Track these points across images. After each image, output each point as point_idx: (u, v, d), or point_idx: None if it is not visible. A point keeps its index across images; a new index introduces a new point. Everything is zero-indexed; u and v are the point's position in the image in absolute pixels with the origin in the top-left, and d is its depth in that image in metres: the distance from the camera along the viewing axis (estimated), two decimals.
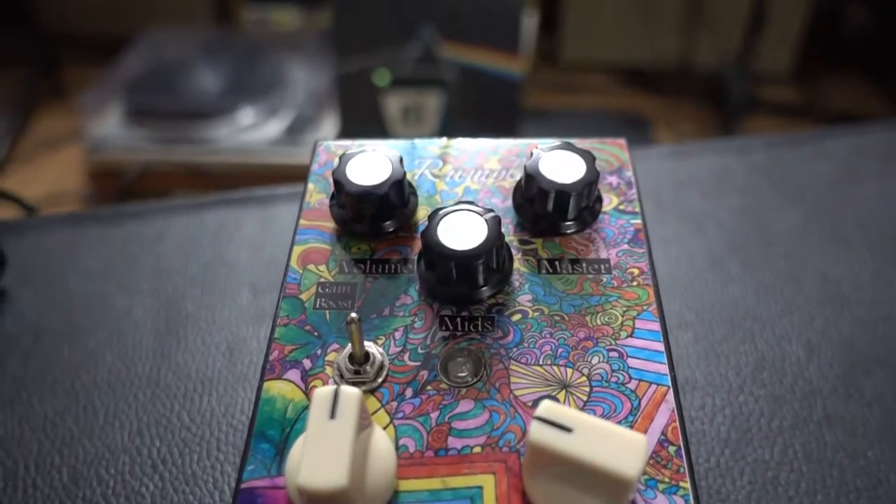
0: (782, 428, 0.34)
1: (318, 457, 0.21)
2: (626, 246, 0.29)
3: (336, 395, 0.22)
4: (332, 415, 0.21)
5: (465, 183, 0.32)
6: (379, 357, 0.26)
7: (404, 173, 0.29)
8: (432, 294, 0.28)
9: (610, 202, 0.31)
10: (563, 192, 0.28)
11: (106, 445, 0.35)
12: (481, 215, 0.27)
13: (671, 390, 0.25)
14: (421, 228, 0.30)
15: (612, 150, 0.33)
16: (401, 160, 0.29)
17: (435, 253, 0.26)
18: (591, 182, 0.28)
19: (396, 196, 0.29)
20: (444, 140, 0.34)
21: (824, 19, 1.66)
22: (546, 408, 0.21)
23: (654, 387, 0.25)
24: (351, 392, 0.22)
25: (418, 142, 0.34)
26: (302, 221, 0.31)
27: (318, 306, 0.28)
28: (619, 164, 0.32)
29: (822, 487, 0.32)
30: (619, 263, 0.29)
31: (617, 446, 0.21)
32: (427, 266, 0.27)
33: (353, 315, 0.24)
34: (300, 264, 0.29)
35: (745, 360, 0.38)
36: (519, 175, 0.32)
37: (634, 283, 0.28)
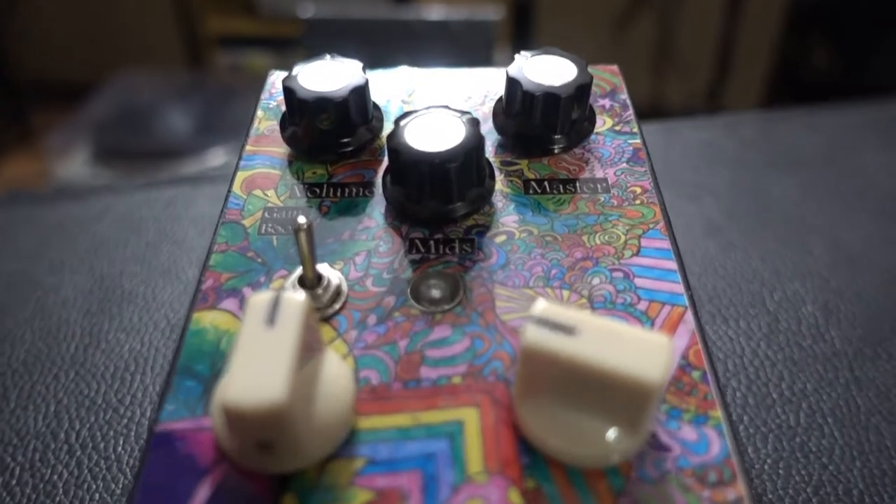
0: (806, 392, 0.30)
1: (249, 371, 0.16)
2: (624, 165, 0.25)
3: (276, 301, 0.17)
4: (271, 321, 0.17)
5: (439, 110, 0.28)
6: (335, 280, 0.21)
7: (367, 81, 0.25)
8: (401, 214, 0.23)
9: (604, 124, 0.27)
10: (551, 95, 0.24)
11: (14, 431, 0.30)
12: (457, 117, 0.23)
13: (689, 310, 0.21)
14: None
15: (603, 76, 0.29)
16: (363, 69, 0.25)
17: (402, 159, 0.22)
18: (583, 85, 0.24)
19: (358, 107, 0.25)
20: (415, 70, 0.30)
21: (790, 61, 1.68)
22: (544, 307, 0.17)
23: (668, 307, 0.21)
24: (295, 298, 0.17)
25: (388, 71, 0.30)
26: (248, 147, 0.26)
27: (263, 231, 0.23)
28: (611, 87, 0.29)
29: (859, 453, 0.27)
30: (618, 182, 0.25)
31: (634, 348, 0.16)
32: (394, 181, 0.23)
33: (302, 220, 0.19)
34: (244, 190, 0.25)
35: (756, 323, 0.33)
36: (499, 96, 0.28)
37: (637, 202, 0.24)
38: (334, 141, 0.25)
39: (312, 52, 0.26)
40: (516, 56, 0.25)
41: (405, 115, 0.23)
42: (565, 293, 0.21)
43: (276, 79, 0.30)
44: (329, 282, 0.21)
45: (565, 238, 0.23)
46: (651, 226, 0.23)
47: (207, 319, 0.21)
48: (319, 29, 0.84)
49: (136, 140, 1.35)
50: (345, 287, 0.21)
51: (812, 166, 0.46)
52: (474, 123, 0.22)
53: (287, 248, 0.23)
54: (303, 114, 0.24)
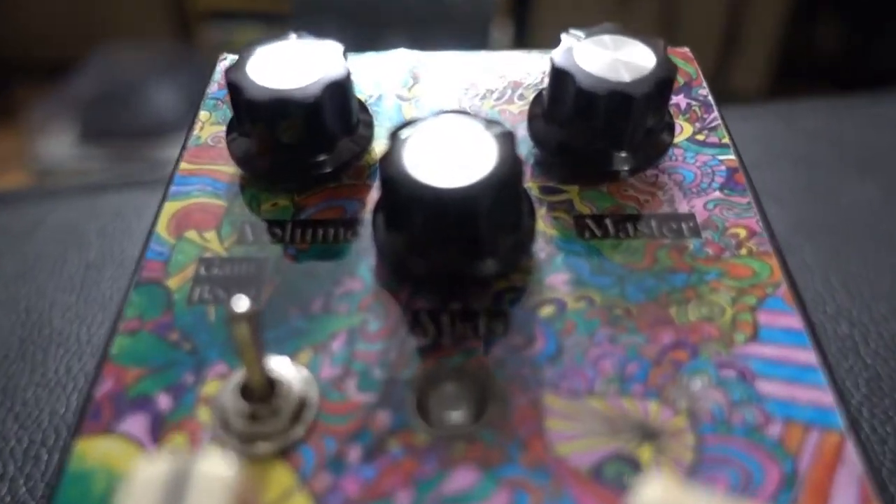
0: None
1: None
2: (717, 193, 0.18)
3: (181, 480, 0.10)
4: None
5: (448, 107, 0.20)
6: (297, 386, 0.14)
7: (348, 73, 0.17)
8: (398, 272, 0.16)
9: (681, 131, 0.19)
10: (620, 96, 0.16)
11: None
12: (483, 129, 0.15)
13: (848, 438, 0.13)
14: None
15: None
16: (343, 55, 0.17)
17: (403, 194, 0.14)
18: (664, 80, 0.16)
19: (336, 111, 0.17)
20: (416, 54, 0.22)
21: (796, 40, 1.61)
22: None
23: (815, 432, 0.13)
24: (216, 474, 0.10)
25: (380, 55, 0.22)
26: (183, 165, 0.19)
27: (195, 299, 0.16)
28: (685, 78, 0.21)
29: None
30: (711, 220, 0.17)
31: None
32: (390, 223, 0.15)
33: (241, 305, 0.12)
34: (172, 230, 0.17)
35: (853, 379, 0.26)
36: (534, 92, 0.20)
37: (743, 252, 0.16)
38: (303, 160, 0.18)
39: (300, 29, 0.18)
40: (564, 36, 0.17)
41: (406, 124, 0.15)
42: (652, 406, 0.14)
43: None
44: (287, 389, 0.14)
45: (644, 310, 0.15)
46: (769, 291, 0.16)
47: (97, 452, 0.13)
48: (305, 4, 0.76)
49: (123, 118, 1.27)
50: (313, 396, 0.14)
51: (891, 163, 0.38)
52: (508, 140, 0.15)
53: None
54: (255, 121, 0.17)
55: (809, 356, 0.14)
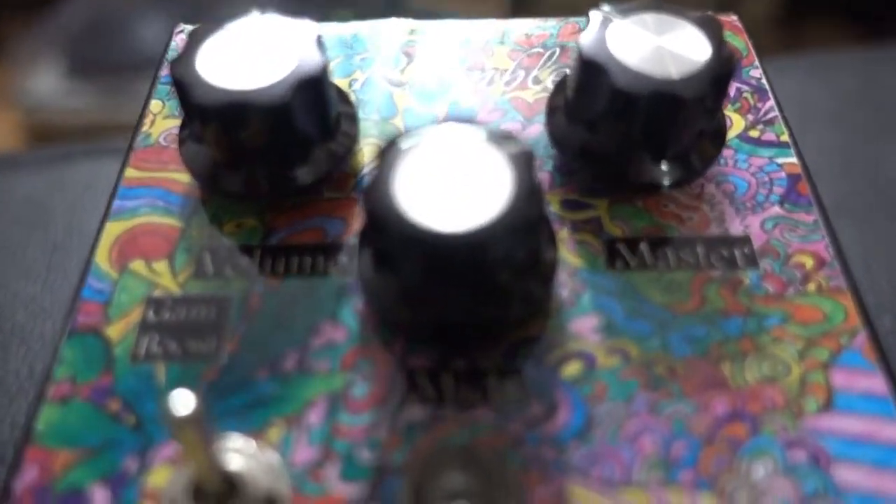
0: None
1: None
2: (777, 209, 0.15)
3: None
4: None
5: (450, 94, 0.17)
6: (263, 481, 0.11)
7: (325, 65, 0.14)
8: (389, 321, 0.13)
9: (731, 125, 0.16)
10: (668, 98, 0.13)
11: None
12: (497, 147, 0.12)
13: None
14: (364, 181, 0.15)
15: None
16: (319, 42, 0.14)
17: (395, 238, 0.11)
18: (722, 77, 0.13)
19: (310, 113, 0.14)
20: (410, 22, 0.19)
21: None
22: None
23: None
24: None
25: (363, 26, 0.19)
26: (129, 172, 0.16)
27: (141, 354, 0.13)
28: (737, 57, 0.18)
29: None
30: (770, 245, 0.14)
31: None
32: (380, 263, 0.12)
33: (186, 406, 0.09)
34: (115, 260, 0.14)
35: None
36: (555, 76, 0.17)
37: (812, 287, 0.13)
38: (272, 172, 0.14)
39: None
40: (593, 13, 0.14)
41: (396, 139, 0.12)
42: (704, 500, 0.11)
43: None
44: (251, 486, 0.11)
45: (691, 368, 0.12)
46: (844, 342, 0.13)
47: None
48: None
49: (113, 50, 1.22)
50: (283, 490, 0.11)
51: None
52: (525, 164, 0.11)
53: (191, 386, 0.12)
54: (209, 128, 0.14)
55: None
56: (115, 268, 0.14)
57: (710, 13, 0.14)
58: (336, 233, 0.14)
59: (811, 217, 0.14)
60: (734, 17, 0.18)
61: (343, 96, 0.16)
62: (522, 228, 0.11)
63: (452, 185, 0.11)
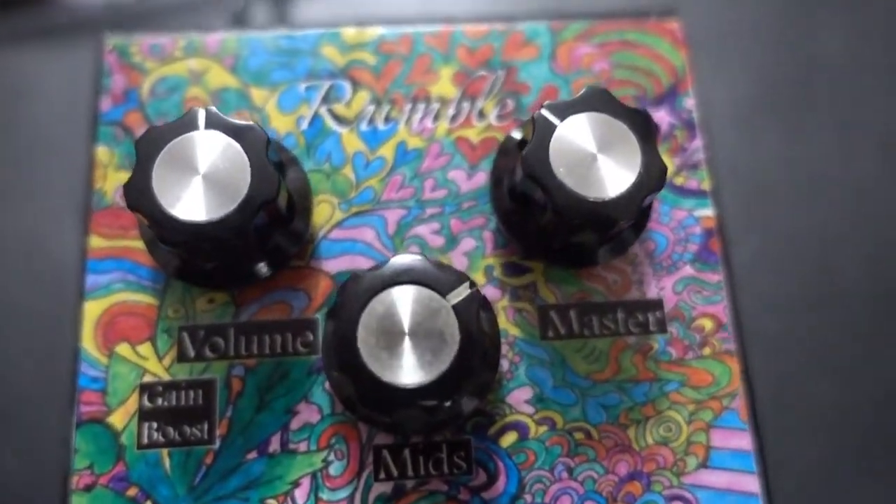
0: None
1: None
2: (689, 269, 0.17)
3: None
4: None
5: (396, 134, 0.17)
6: None
7: (277, 183, 0.14)
8: (355, 413, 0.15)
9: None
10: (602, 219, 0.14)
11: None
12: (443, 297, 0.13)
13: None
14: (330, 305, 0.16)
15: (652, 44, 0.18)
16: (266, 144, 0.14)
17: (364, 388, 0.13)
18: (654, 192, 0.14)
19: (270, 223, 0.15)
20: (350, 33, 0.18)
21: None
22: None
23: None
24: None
25: (301, 39, 0.18)
26: (94, 242, 0.16)
27: (145, 441, 0.15)
28: (670, 78, 0.18)
29: None
30: (678, 308, 0.16)
31: None
32: (339, 332, 0.14)
33: None
34: (101, 343, 0.16)
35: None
36: (499, 109, 0.17)
37: (706, 351, 0.16)
38: (234, 269, 0.15)
39: None
40: (537, 117, 0.14)
41: (348, 285, 0.13)
42: None
43: (116, 59, 0.17)
44: None
45: (605, 433, 0.15)
46: (726, 403, 0.16)
47: None
48: None
49: None
50: None
51: None
52: (472, 321, 0.13)
53: (192, 471, 0.15)
54: (171, 247, 0.14)
55: (754, 485, 0.15)
56: (104, 352, 0.16)
57: (644, 110, 0.14)
58: (300, 307, 0.16)
59: (717, 277, 0.17)
60: (676, 26, 0.18)
61: (291, 161, 0.16)
62: (470, 375, 0.13)
63: (408, 335, 0.13)
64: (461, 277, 0.13)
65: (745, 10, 0.31)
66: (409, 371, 0.13)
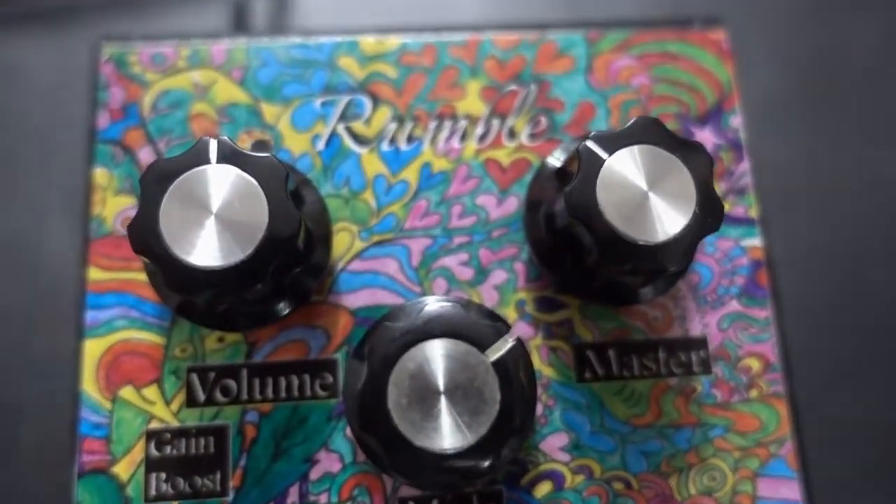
0: None
1: None
2: (735, 304, 0.16)
3: None
4: None
5: (420, 155, 0.16)
6: None
7: (300, 223, 0.13)
8: (378, 466, 0.14)
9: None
10: (651, 262, 0.13)
11: None
12: (481, 351, 0.12)
13: None
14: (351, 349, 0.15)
15: (695, 56, 0.17)
16: (285, 179, 0.13)
17: (398, 456, 0.12)
18: (703, 234, 0.13)
19: (284, 265, 0.13)
20: (368, 42, 0.17)
21: None
22: None
23: None
24: None
25: (312, 45, 0.16)
26: (93, 274, 0.15)
27: (153, 494, 0.14)
28: (715, 93, 0.17)
29: None
30: (724, 347, 0.15)
31: None
32: (366, 391, 0.13)
33: None
34: (104, 386, 0.14)
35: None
36: (531, 126, 0.16)
37: (753, 394, 0.15)
38: (249, 309, 0.14)
39: None
40: (583, 150, 0.13)
41: (376, 336, 0.12)
42: None
43: (113, 71, 0.16)
44: None
45: (645, 483, 0.14)
46: (773, 451, 0.15)
47: None
48: None
49: None
50: None
51: None
52: (514, 379, 0.12)
53: None
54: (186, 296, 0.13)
55: None
56: (107, 395, 0.14)
57: (700, 143, 0.13)
58: (319, 346, 0.15)
59: (765, 313, 0.15)
60: (721, 36, 0.17)
61: (305, 184, 0.15)
62: (511, 440, 0.12)
63: (444, 398, 0.12)
64: (500, 328, 0.12)
65: (788, 15, 0.29)
66: (444, 435, 0.12)
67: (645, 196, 0.13)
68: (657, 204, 0.13)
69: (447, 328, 0.12)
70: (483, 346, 0.12)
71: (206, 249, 0.12)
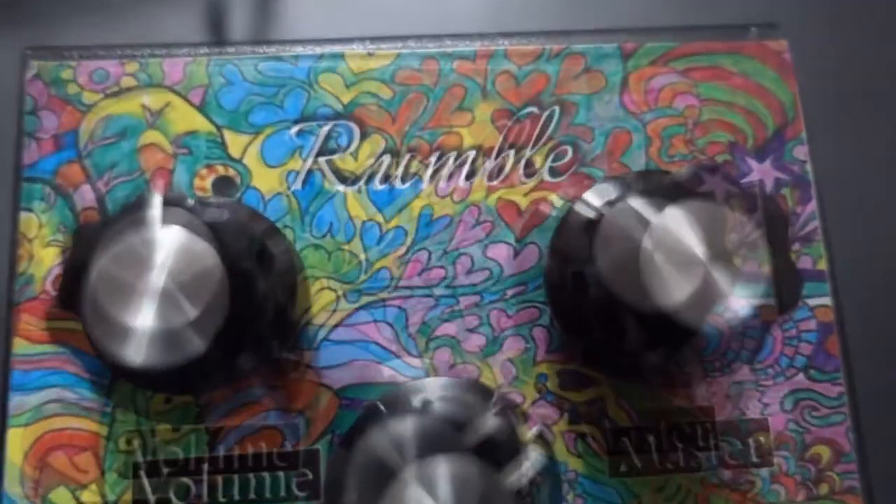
0: None
1: None
2: (801, 378, 0.13)
3: None
4: None
5: (418, 196, 0.13)
6: None
7: (263, 300, 0.10)
8: None
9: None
10: (717, 349, 0.10)
11: None
12: (495, 475, 0.09)
13: None
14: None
15: (752, 72, 0.14)
16: (249, 244, 0.10)
17: None
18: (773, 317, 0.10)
19: (240, 341, 0.11)
20: (354, 53, 0.14)
21: None
22: None
23: None
24: None
25: (288, 59, 0.14)
26: (18, 346, 0.12)
27: None
28: (777, 118, 0.14)
29: None
30: (787, 433, 0.13)
31: None
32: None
33: None
34: (31, 487, 0.12)
35: None
36: (553, 160, 0.13)
37: (823, 489, 0.12)
38: (206, 369, 0.11)
39: None
40: (607, 210, 0.10)
41: (361, 459, 0.09)
42: None
43: (45, 92, 0.13)
44: None
45: None
46: None
47: None
48: None
49: None
50: None
51: None
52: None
53: None
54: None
55: None
56: (34, 499, 0.12)
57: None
58: (293, 434, 0.12)
59: (836, 390, 0.13)
60: (782, 46, 0.14)
61: (277, 240, 0.12)
62: None
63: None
64: (519, 442, 0.10)
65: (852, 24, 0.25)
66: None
67: (702, 265, 0.10)
68: (718, 275, 0.10)
69: (453, 442, 0.10)
70: (499, 465, 0.09)
71: (145, 342, 0.10)
